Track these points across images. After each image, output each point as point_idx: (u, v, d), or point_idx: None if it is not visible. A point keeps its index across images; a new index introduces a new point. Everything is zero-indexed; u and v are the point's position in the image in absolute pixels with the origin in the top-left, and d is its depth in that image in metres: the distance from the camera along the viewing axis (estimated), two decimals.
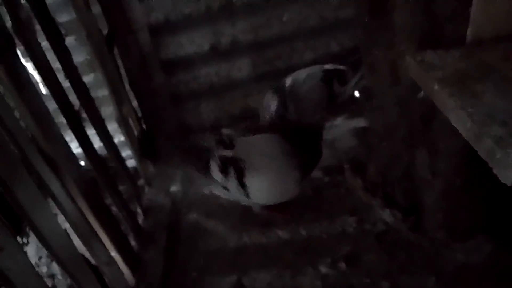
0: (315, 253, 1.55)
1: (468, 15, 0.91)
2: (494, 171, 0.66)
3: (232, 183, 1.54)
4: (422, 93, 1.01)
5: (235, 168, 1.52)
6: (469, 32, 0.90)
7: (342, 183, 1.81)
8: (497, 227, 1.39)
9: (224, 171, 1.55)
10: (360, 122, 2.11)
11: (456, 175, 1.30)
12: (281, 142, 1.56)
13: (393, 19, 1.19)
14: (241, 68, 2.19)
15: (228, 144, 1.59)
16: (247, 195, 1.54)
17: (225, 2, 1.98)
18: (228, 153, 1.56)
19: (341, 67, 2.04)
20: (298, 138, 1.59)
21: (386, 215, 1.60)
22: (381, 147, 1.55)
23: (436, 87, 0.80)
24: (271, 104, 1.86)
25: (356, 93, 2.36)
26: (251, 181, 1.51)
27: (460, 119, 0.72)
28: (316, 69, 2.00)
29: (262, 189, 1.54)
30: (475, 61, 0.84)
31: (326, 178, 1.86)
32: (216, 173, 1.57)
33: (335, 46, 2.22)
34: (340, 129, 2.16)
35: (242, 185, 1.52)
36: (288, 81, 1.91)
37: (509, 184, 0.63)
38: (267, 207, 1.68)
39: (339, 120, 2.21)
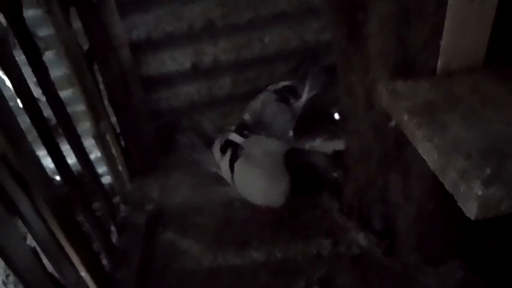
0: (289, 275, 1.54)
1: (438, 47, 0.93)
2: (459, 203, 0.67)
3: (225, 164, 1.72)
4: (393, 122, 1.03)
5: (232, 151, 1.70)
6: (439, 63, 0.92)
7: (318, 205, 1.82)
8: (469, 252, 1.41)
9: (223, 151, 1.75)
10: (339, 144, 2.13)
11: (429, 200, 1.32)
12: (280, 153, 1.64)
13: (368, 46, 1.22)
14: (222, 86, 2.20)
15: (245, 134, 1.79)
16: (232, 180, 1.71)
17: (208, 21, 1.99)
18: (235, 138, 1.75)
19: (287, 83, 2.12)
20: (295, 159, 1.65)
21: (361, 238, 1.61)
22: (357, 170, 1.57)
23: (405, 117, 0.82)
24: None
25: (336, 115, 2.40)
26: (238, 167, 1.67)
27: (427, 150, 0.74)
28: (265, 94, 2.08)
29: (245, 180, 1.70)
30: (443, 92, 0.86)
31: (303, 199, 1.87)
32: (216, 150, 1.80)
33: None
34: (319, 150, 2.17)
35: (231, 168, 1.68)
36: (247, 117, 2.02)
37: (472, 218, 0.64)
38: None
39: (318, 142, 2.23)
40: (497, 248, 1.39)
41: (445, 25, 0.86)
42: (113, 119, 1.92)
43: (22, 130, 1.19)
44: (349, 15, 1.27)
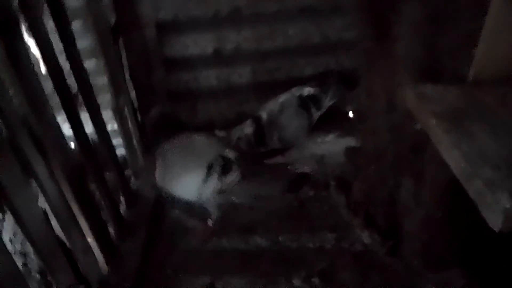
0: (291, 265, 1.56)
1: (471, 55, 0.94)
2: (483, 214, 0.67)
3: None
4: (418, 125, 1.04)
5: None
6: (470, 71, 0.93)
7: (326, 199, 1.84)
8: (472, 262, 1.42)
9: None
10: (350, 141, 2.14)
11: (438, 207, 1.32)
12: None
13: (396, 48, 1.22)
14: (242, 75, 2.20)
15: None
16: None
17: (234, 9, 1.99)
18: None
19: (312, 90, 2.11)
20: None
21: (365, 236, 1.62)
22: (369, 169, 1.58)
23: (433, 121, 0.82)
24: (245, 130, 2.02)
25: (350, 113, 2.41)
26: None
27: (453, 157, 0.74)
28: (287, 96, 2.08)
29: None
30: (473, 101, 0.87)
31: (311, 192, 1.89)
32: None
33: (335, 65, 2.25)
34: (331, 146, 2.19)
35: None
36: (264, 114, 2.04)
37: (496, 230, 0.64)
38: None
39: (330, 137, 2.24)
40: (500, 260, 1.40)
41: (482, 33, 0.86)
42: (132, 94, 1.93)
43: (45, 95, 1.21)
44: (379, 15, 1.27)
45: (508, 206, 0.61)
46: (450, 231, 1.38)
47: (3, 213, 1.62)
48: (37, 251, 1.12)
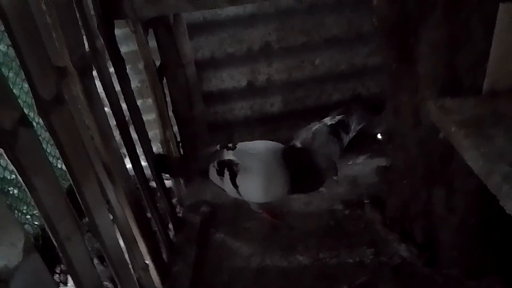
0: (333, 279, 1.65)
1: (485, 69, 1.06)
2: (501, 203, 0.77)
3: (228, 185, 1.79)
4: (442, 134, 1.15)
5: (229, 170, 1.76)
6: (485, 84, 1.04)
7: (361, 217, 1.92)
8: (510, 269, 1.46)
9: (220, 173, 1.80)
10: (381, 161, 2.23)
11: (472, 214, 1.40)
12: (277, 151, 1.78)
13: (418, 68, 1.35)
14: (274, 104, 2.37)
15: (231, 147, 1.84)
16: (240, 194, 1.79)
17: (265, 44, 2.18)
18: (227, 155, 1.79)
19: (341, 117, 2.22)
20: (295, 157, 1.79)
21: (403, 249, 1.68)
22: (401, 184, 1.66)
23: (453, 129, 0.94)
24: None
25: (379, 135, 2.50)
26: (241, 181, 1.75)
27: (473, 158, 0.86)
28: (319, 125, 2.20)
29: (250, 188, 1.77)
30: (489, 109, 0.98)
31: (347, 211, 1.98)
32: (213, 177, 1.83)
33: (361, 90, 2.38)
34: (362, 167, 2.29)
35: (235, 184, 1.75)
36: (298, 143, 2.15)
37: None
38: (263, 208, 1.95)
39: (361, 159, 2.35)
40: None
41: (492, 50, 0.99)
42: (175, 128, 2.11)
43: (112, 130, 1.39)
44: (400, 40, 1.40)
45: None
46: (486, 237, 1.44)
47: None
48: (112, 266, 1.26)
